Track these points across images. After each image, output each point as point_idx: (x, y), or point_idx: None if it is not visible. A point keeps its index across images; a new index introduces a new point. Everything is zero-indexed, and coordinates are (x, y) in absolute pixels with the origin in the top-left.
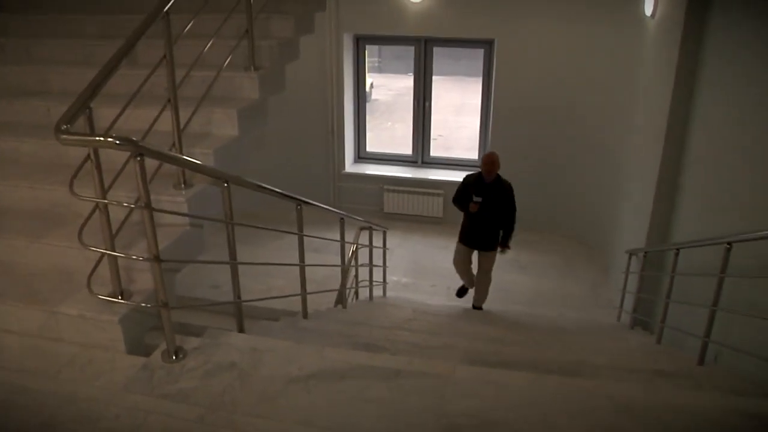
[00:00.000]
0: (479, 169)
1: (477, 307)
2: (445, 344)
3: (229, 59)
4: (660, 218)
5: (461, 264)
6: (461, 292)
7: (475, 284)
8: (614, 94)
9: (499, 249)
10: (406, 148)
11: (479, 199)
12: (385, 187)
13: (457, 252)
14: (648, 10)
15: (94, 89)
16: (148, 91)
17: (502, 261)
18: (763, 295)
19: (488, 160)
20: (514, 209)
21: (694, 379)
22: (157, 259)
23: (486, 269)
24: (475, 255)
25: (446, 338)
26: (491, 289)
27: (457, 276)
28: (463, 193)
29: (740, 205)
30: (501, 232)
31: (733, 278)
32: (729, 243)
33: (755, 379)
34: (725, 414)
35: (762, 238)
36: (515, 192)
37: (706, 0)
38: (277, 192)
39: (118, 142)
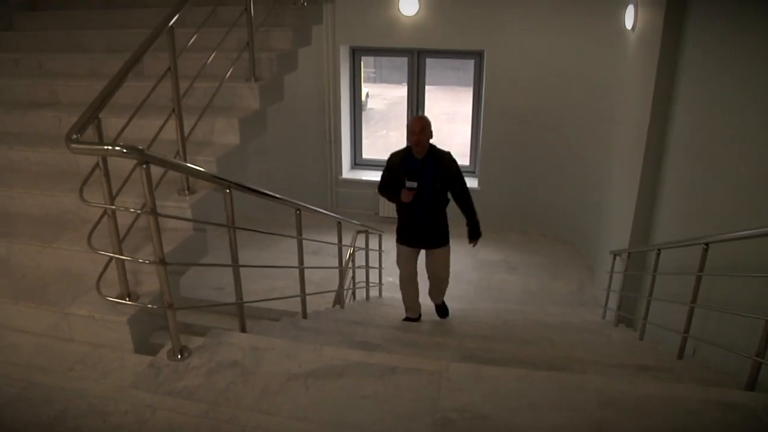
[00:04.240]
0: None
1: (440, 307)
2: (438, 342)
3: (230, 71)
4: (642, 221)
5: (409, 282)
6: (410, 320)
7: (431, 285)
8: (598, 103)
9: (470, 243)
10: None
11: (413, 184)
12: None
13: (401, 261)
14: (628, 23)
15: (102, 100)
16: (153, 102)
17: (493, 262)
18: (736, 293)
19: (418, 128)
20: (465, 186)
21: (674, 373)
22: (162, 262)
23: (440, 270)
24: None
25: (439, 336)
26: (481, 286)
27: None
28: (390, 178)
29: (716, 209)
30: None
31: (710, 276)
32: (706, 244)
33: (729, 371)
34: (702, 404)
35: (736, 239)
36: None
37: (683, 14)
38: (277, 197)
39: (125, 150)
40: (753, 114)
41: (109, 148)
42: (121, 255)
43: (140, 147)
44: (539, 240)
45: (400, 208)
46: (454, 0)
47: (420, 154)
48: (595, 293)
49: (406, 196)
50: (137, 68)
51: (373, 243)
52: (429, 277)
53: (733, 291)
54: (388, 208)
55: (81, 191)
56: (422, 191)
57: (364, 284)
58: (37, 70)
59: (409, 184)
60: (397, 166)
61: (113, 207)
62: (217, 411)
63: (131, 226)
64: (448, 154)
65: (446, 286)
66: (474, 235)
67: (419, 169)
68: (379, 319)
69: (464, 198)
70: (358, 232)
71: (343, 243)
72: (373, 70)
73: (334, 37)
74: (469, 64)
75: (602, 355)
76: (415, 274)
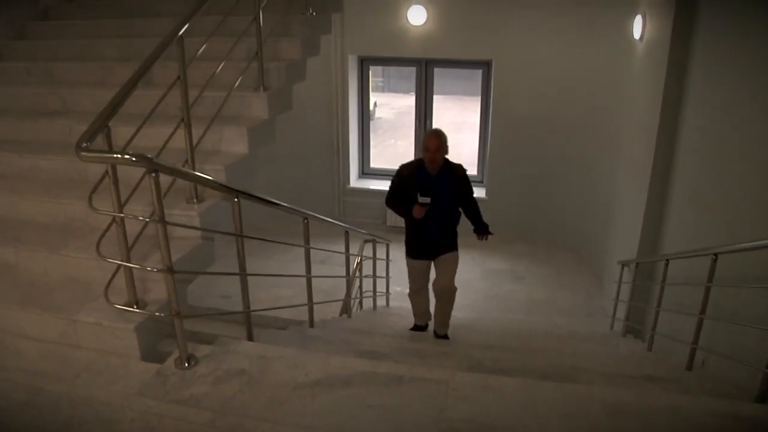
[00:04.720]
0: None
1: (441, 335)
2: (445, 352)
3: (239, 80)
4: (650, 230)
5: (421, 295)
6: (417, 329)
7: (437, 302)
8: (605, 112)
9: (479, 237)
10: None
11: (427, 200)
12: None
13: (412, 275)
14: (636, 33)
15: (112, 109)
16: (162, 111)
17: (500, 271)
18: (746, 304)
19: (434, 145)
20: (473, 198)
21: (682, 384)
22: (170, 270)
23: (446, 278)
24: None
25: (446, 346)
26: (488, 296)
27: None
28: (399, 191)
29: (725, 219)
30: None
31: (719, 287)
32: (715, 254)
33: (739, 383)
34: (711, 416)
35: (744, 249)
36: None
37: (691, 24)
38: (285, 206)
39: (134, 159)
40: (763, 122)
41: (119, 156)
42: (129, 263)
43: (149, 155)
44: (547, 249)
45: (410, 223)
46: (462, 10)
47: (434, 171)
48: (602, 303)
49: (418, 212)
50: (147, 77)
51: (381, 252)
52: (435, 293)
53: (743, 302)
54: (396, 218)
55: (90, 199)
56: (436, 207)
57: (371, 293)
58: (48, 79)
59: (422, 199)
60: (408, 179)
61: (122, 215)
62: (224, 419)
63: (139, 234)
64: (461, 168)
65: (452, 307)
66: (481, 230)
67: (433, 184)
68: (386, 328)
69: (473, 207)
70: (366, 241)
71: (351, 252)
72: (381, 79)
73: (343, 47)
74: (477, 73)
75: (610, 366)
76: (426, 284)
